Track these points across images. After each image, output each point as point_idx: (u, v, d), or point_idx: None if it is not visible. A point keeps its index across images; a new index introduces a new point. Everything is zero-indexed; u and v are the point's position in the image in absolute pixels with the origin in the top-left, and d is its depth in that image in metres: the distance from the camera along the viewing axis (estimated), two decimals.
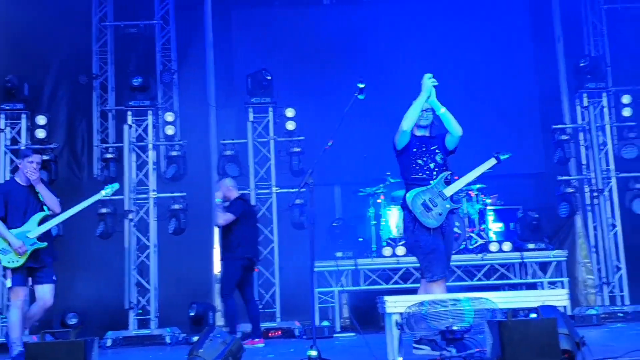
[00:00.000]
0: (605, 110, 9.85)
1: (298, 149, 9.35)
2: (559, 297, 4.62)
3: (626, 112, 9.69)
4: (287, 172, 9.43)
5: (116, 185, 6.74)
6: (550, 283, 9.04)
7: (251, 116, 9.70)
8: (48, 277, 6.23)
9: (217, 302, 9.87)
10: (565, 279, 9.14)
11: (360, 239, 9.66)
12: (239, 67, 10.46)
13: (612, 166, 9.68)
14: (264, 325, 8.79)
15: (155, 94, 9.93)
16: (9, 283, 6.17)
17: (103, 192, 6.58)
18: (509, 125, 10.20)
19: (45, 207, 6.29)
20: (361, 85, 5.22)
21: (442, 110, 5.45)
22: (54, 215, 6.32)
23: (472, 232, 9.25)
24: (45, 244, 6.20)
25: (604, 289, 9.45)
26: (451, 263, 8.85)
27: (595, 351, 4.28)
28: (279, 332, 8.80)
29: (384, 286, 8.95)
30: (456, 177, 5.66)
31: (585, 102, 9.82)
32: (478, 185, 9.26)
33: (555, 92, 10.44)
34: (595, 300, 9.63)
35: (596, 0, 10.56)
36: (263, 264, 9.41)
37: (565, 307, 4.68)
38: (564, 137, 9.73)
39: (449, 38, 10.79)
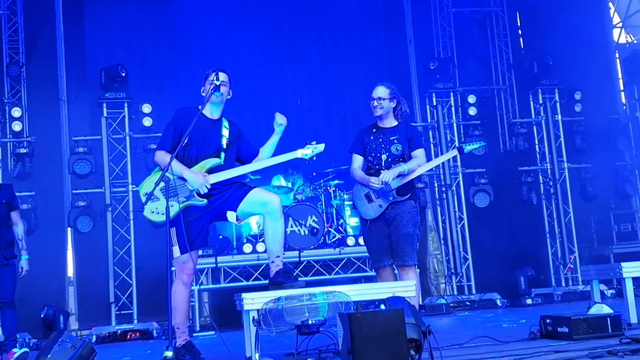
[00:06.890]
0: (453, 109, 10.44)
1: (155, 146, 9.01)
2: (408, 288, 4.83)
3: (471, 111, 10.35)
4: (144, 170, 9.17)
5: (321, 147, 5.13)
6: None
7: (105, 112, 9.39)
8: None
9: (71, 305, 9.50)
10: (417, 270, 9.53)
11: (221, 236, 9.62)
12: (92, 61, 10.06)
13: (459, 162, 10.27)
14: (122, 327, 8.60)
15: (1, 88, 9.36)
16: None
17: (300, 152, 5.08)
18: (364, 123, 10.50)
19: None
20: (217, 82, 5.18)
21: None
22: None
23: (331, 227, 9.45)
24: None
25: (452, 279, 10.01)
26: (310, 258, 9.07)
27: (443, 339, 4.50)
28: (137, 334, 8.61)
29: (245, 283, 8.95)
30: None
31: (434, 101, 10.36)
32: (336, 182, 9.49)
33: (408, 91, 10.90)
34: (445, 290, 10.18)
35: (445, 4, 11.11)
36: (120, 265, 9.15)
37: (413, 297, 4.89)
38: None
39: (305, 35, 10.97)
